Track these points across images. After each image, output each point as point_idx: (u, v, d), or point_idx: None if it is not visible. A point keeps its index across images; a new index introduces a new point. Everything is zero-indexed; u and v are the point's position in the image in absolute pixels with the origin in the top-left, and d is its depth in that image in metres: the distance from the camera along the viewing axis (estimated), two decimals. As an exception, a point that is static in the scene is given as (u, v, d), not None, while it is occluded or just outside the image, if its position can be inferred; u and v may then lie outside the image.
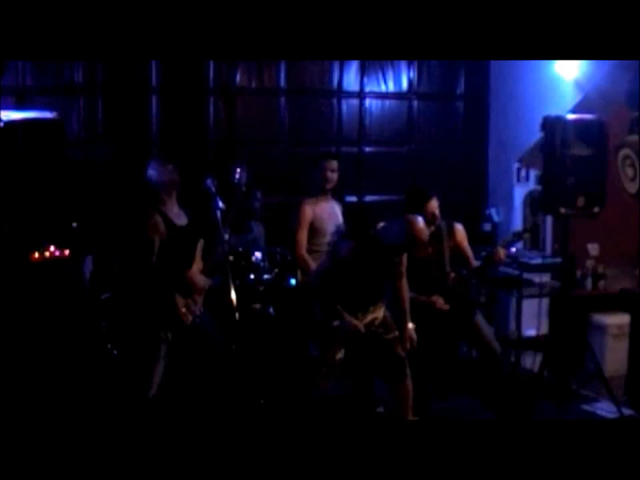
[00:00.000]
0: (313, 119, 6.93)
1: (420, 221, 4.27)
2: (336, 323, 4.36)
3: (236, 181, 4.61)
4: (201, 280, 4.44)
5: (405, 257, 4.51)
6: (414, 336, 4.56)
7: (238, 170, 4.63)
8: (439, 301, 4.80)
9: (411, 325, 4.56)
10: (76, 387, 4.33)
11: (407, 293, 4.61)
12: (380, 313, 4.49)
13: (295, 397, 4.62)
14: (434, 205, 4.81)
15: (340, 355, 4.39)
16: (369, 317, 4.44)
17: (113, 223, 5.79)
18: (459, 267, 4.98)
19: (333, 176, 5.27)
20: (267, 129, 6.83)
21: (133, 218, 4.63)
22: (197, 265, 4.50)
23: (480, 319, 4.95)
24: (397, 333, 4.47)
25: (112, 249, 5.51)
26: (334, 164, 5.28)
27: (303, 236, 5.17)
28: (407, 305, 4.59)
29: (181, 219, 4.47)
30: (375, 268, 4.35)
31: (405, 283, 4.61)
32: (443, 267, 4.88)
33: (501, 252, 4.83)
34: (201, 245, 4.57)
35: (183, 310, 4.35)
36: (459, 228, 5.02)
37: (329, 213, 5.29)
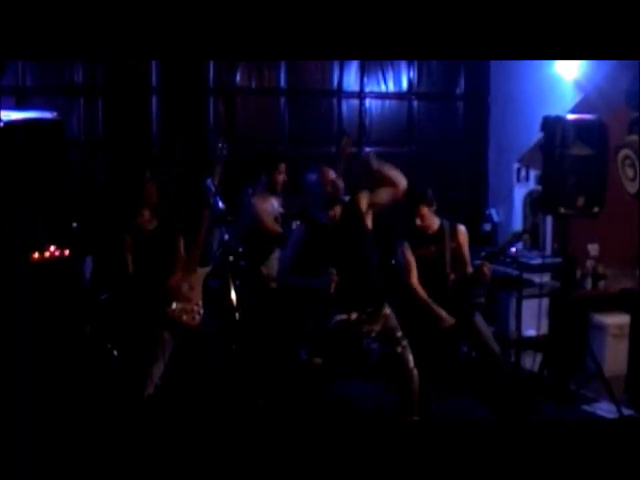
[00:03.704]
0: (313, 119, 6.93)
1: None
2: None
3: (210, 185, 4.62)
4: (184, 287, 4.42)
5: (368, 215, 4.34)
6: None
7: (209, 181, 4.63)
8: (448, 320, 4.71)
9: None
10: (75, 387, 4.32)
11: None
12: (378, 325, 4.31)
13: (294, 397, 4.62)
14: (429, 207, 4.81)
15: (317, 360, 4.27)
16: (365, 328, 4.30)
17: (111, 223, 5.79)
18: (459, 268, 4.95)
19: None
20: (267, 129, 6.83)
21: (106, 233, 4.62)
22: (181, 264, 4.44)
23: (479, 320, 4.93)
24: (400, 348, 4.28)
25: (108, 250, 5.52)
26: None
27: None
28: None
29: (151, 224, 4.46)
30: (338, 241, 4.26)
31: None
32: (443, 268, 4.86)
33: (486, 269, 4.74)
34: (181, 243, 4.52)
35: (178, 314, 4.34)
36: (462, 230, 4.98)
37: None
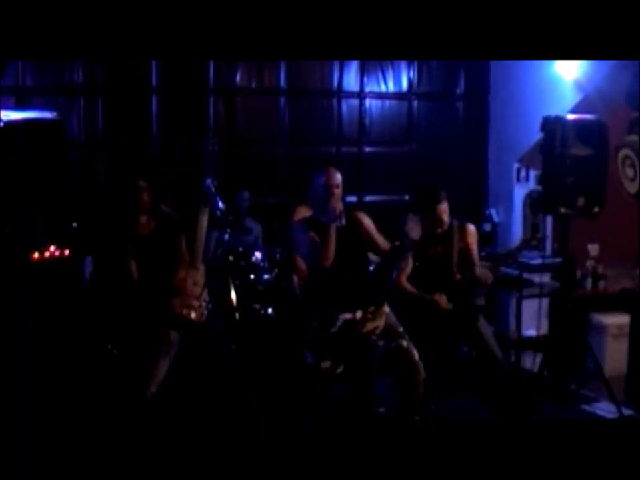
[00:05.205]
0: (313, 119, 6.94)
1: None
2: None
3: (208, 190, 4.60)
4: (189, 284, 4.40)
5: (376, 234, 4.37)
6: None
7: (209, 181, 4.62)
8: (442, 300, 4.76)
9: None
10: (75, 387, 4.32)
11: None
12: (381, 321, 4.35)
13: (294, 398, 4.62)
14: (443, 208, 4.78)
15: (326, 364, 4.28)
16: (369, 326, 4.32)
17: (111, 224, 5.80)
18: (466, 269, 4.92)
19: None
20: (266, 129, 6.84)
21: (107, 236, 4.58)
22: (184, 262, 4.43)
23: (481, 321, 4.92)
24: (405, 341, 4.30)
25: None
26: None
27: None
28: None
29: (148, 228, 4.43)
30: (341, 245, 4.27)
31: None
32: (449, 267, 4.83)
33: (488, 276, 4.80)
34: (183, 241, 4.50)
35: (185, 311, 4.34)
36: (471, 229, 4.94)
37: None
